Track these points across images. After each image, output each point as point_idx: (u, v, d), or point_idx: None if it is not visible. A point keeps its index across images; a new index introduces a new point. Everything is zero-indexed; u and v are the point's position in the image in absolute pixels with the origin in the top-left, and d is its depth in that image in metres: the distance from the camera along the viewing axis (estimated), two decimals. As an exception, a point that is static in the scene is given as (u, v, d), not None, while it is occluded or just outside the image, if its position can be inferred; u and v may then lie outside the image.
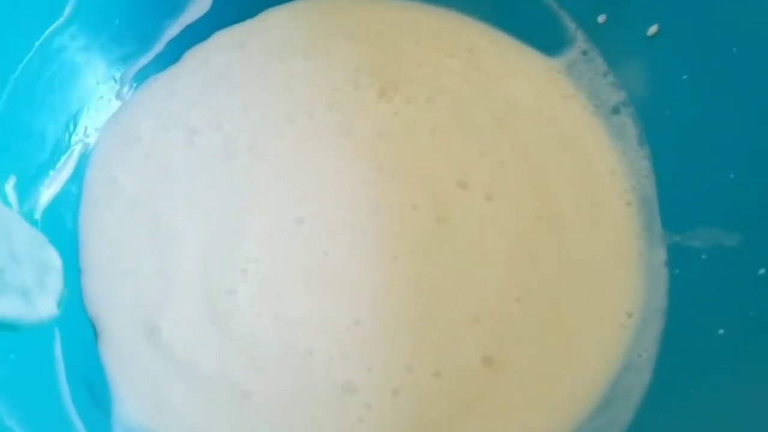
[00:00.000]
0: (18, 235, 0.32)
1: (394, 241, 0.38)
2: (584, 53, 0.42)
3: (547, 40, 0.42)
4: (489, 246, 0.38)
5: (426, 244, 0.38)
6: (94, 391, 0.35)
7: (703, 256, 0.36)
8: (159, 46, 0.42)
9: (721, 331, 0.33)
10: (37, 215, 0.37)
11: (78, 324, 0.36)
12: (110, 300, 0.37)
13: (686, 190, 0.37)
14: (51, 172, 0.38)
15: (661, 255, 0.38)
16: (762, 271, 0.32)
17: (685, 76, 0.37)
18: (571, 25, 0.42)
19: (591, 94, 0.41)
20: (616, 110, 0.41)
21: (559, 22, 0.42)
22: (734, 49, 0.35)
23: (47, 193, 0.38)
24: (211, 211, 0.39)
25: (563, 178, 0.40)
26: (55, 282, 0.33)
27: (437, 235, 0.38)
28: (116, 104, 0.41)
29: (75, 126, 0.40)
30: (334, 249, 0.38)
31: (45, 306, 0.32)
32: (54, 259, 0.34)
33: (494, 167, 0.40)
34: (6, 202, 0.36)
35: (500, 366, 0.36)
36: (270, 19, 0.44)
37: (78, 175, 0.39)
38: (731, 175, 0.35)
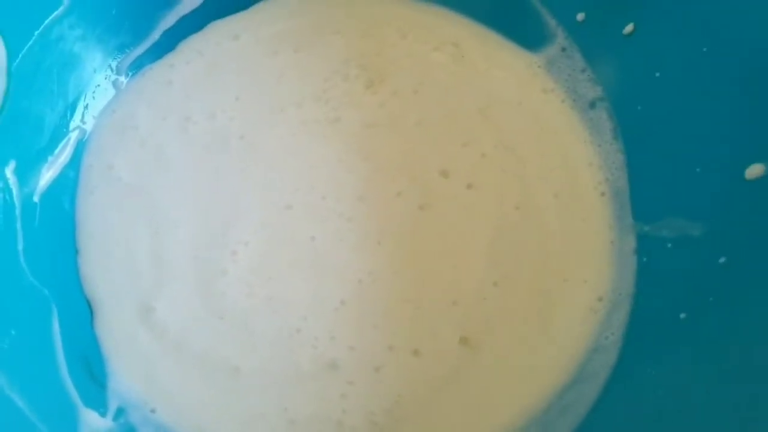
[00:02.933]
0: None
1: (379, 227, 0.39)
2: (564, 49, 0.43)
3: (528, 36, 0.44)
4: (469, 232, 0.39)
5: (409, 230, 0.39)
6: (91, 366, 0.37)
7: (669, 245, 0.37)
8: (154, 36, 0.43)
9: (683, 315, 0.35)
10: (36, 198, 0.39)
11: (74, 303, 0.38)
12: (106, 281, 0.39)
13: (656, 182, 0.39)
14: (49, 158, 0.40)
15: (631, 243, 0.39)
16: (722, 259, 0.34)
17: (657, 74, 0.39)
18: (551, 21, 0.43)
19: (569, 89, 0.43)
20: (592, 105, 0.42)
21: (540, 18, 0.43)
22: (704, 49, 0.36)
23: (46, 177, 0.39)
24: (204, 197, 0.40)
25: (542, 169, 0.41)
26: None
27: (420, 221, 0.39)
28: (112, 92, 0.43)
29: (72, 113, 0.41)
30: (321, 234, 0.39)
31: None
32: None
33: (476, 158, 0.41)
34: (6, 185, 0.37)
35: (476, 346, 0.38)
36: (262, 11, 0.45)
37: (75, 161, 0.41)
38: (697, 169, 0.36)
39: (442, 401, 0.37)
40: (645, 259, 0.39)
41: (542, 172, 0.41)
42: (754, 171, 0.34)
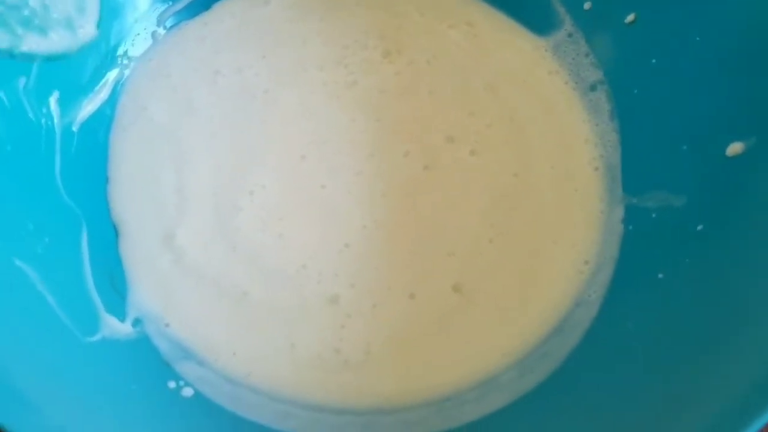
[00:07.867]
0: None
1: (385, 182, 0.42)
2: (570, 35, 0.46)
3: (538, 20, 0.47)
4: (468, 193, 0.42)
5: (413, 187, 0.42)
6: (114, 279, 0.39)
7: (654, 215, 0.40)
8: (192, -5, 0.47)
9: (660, 275, 0.37)
10: (75, 128, 0.42)
11: (102, 224, 0.41)
12: (132, 208, 0.42)
13: (646, 159, 0.41)
14: (90, 94, 0.43)
15: (619, 214, 0.41)
16: (700, 227, 0.37)
17: (653, 61, 0.41)
18: (560, 9, 0.46)
19: (572, 72, 0.45)
20: (593, 87, 0.45)
21: (550, 5, 0.46)
22: (697, 38, 0.39)
23: (85, 110, 0.42)
24: (228, 142, 0.43)
25: (541, 142, 0.43)
26: (93, 3, 0.35)
27: (424, 179, 0.42)
28: (150, 42, 0.46)
29: (113, 57, 0.45)
30: (331, 183, 0.42)
31: (87, 32, 0.34)
32: None
33: (480, 127, 0.43)
34: (49, 113, 0.40)
35: (468, 294, 0.40)
36: (293, -20, 0.48)
37: (113, 100, 0.44)
38: (684, 147, 0.39)
39: (431, 340, 0.39)
40: (630, 228, 0.41)
41: (541, 145, 0.44)
42: (734, 149, 0.37)
